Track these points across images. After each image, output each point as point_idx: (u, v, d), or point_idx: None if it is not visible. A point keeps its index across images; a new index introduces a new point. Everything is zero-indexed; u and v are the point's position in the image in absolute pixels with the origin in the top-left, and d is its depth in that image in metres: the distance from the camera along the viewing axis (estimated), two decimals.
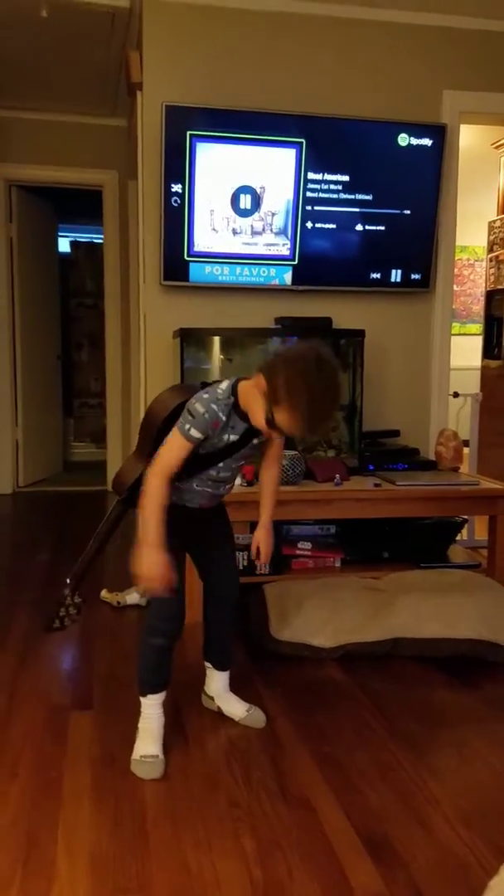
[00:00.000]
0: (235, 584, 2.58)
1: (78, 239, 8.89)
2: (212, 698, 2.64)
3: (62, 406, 7.87)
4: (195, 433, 2.12)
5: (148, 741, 2.32)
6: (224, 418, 2.17)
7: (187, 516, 2.35)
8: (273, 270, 4.23)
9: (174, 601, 2.29)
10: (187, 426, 2.12)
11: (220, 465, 2.28)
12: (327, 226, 4.25)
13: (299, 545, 3.80)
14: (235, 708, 2.60)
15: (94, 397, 8.84)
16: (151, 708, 2.36)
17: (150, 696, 2.36)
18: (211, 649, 2.63)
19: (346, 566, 3.83)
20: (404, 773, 2.27)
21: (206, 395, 2.16)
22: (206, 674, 2.67)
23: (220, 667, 2.62)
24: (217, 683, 2.63)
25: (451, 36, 4.40)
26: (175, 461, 2.15)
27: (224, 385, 2.20)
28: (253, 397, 2.13)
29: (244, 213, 4.13)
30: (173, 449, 2.15)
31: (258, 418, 2.14)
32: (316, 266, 4.28)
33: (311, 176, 4.15)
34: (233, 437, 2.22)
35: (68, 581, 2.54)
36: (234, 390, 2.19)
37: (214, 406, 2.15)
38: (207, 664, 2.64)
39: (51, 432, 7.43)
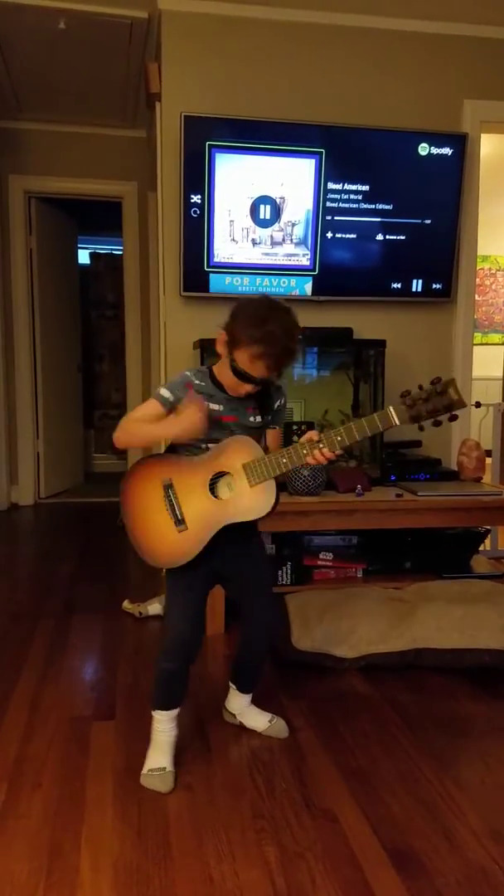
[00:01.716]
0: (267, 617, 2.50)
1: (98, 250, 8.93)
2: (233, 714, 2.62)
3: (83, 417, 7.89)
4: (164, 392, 2.18)
5: (157, 754, 2.31)
6: (198, 382, 2.21)
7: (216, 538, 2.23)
8: (293, 281, 4.24)
9: (190, 628, 2.28)
10: (161, 389, 2.20)
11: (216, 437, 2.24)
12: (347, 236, 4.25)
13: (321, 555, 3.78)
14: (258, 721, 2.58)
15: (114, 408, 8.86)
16: (162, 723, 2.33)
17: (161, 712, 2.33)
18: (240, 676, 2.59)
19: (368, 577, 3.81)
20: (429, 785, 2.25)
21: (183, 371, 2.26)
22: (228, 691, 2.64)
23: (243, 689, 2.60)
24: (239, 701, 2.61)
25: (472, 45, 4.40)
26: (139, 413, 2.20)
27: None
28: (221, 362, 2.21)
29: (264, 224, 4.13)
30: (142, 407, 2.21)
31: (224, 375, 2.19)
32: (336, 276, 4.28)
33: (331, 186, 4.15)
34: (215, 406, 2.21)
35: None
36: (209, 366, 2.28)
37: (188, 372, 2.24)
38: (232, 685, 2.62)
39: (72, 444, 7.45)
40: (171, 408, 2.18)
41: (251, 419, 2.27)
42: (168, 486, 2.20)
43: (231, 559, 2.32)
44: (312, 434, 2.13)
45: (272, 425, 2.34)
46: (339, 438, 2.09)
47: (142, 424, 2.18)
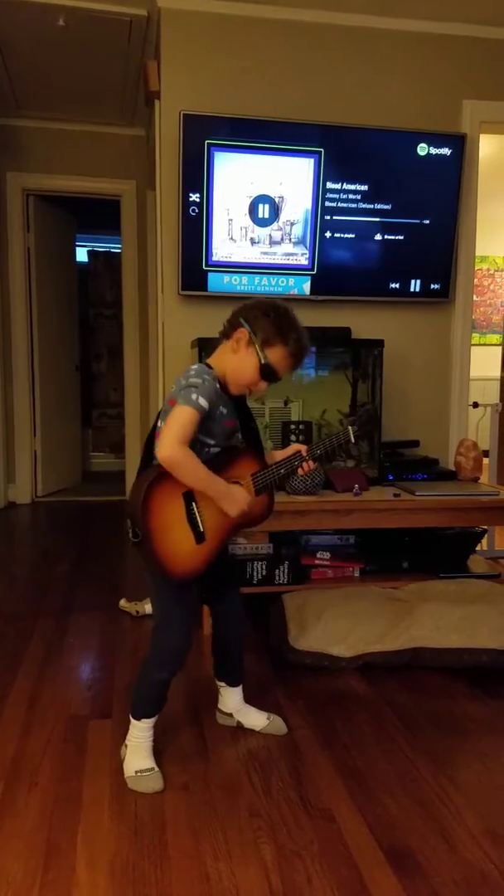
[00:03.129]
0: (239, 601, 2.52)
1: (96, 248, 8.93)
2: (229, 715, 2.61)
3: (81, 416, 7.89)
4: (203, 402, 2.08)
5: (142, 757, 2.28)
6: (217, 386, 2.17)
7: None
8: (292, 280, 4.23)
9: (185, 637, 2.27)
10: (194, 395, 2.07)
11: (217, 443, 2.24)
12: (346, 235, 4.25)
13: (318, 555, 3.78)
14: (256, 719, 2.58)
15: (112, 407, 8.87)
16: (146, 729, 2.31)
17: (144, 721, 2.31)
18: (224, 670, 2.58)
19: (365, 576, 3.81)
20: (426, 784, 2.25)
21: (192, 370, 2.16)
22: (219, 693, 2.63)
23: (234, 683, 2.59)
24: (233, 699, 2.60)
25: (471, 45, 4.40)
26: (189, 432, 2.06)
27: (193, 366, 2.21)
28: (231, 360, 2.21)
29: (262, 223, 4.13)
30: (183, 421, 2.05)
31: (244, 374, 2.20)
32: (335, 276, 4.28)
33: (329, 185, 4.15)
34: (224, 410, 2.21)
35: None
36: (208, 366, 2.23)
37: (207, 375, 2.15)
38: (221, 684, 2.60)
39: (70, 443, 7.45)
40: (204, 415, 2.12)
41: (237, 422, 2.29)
42: (191, 500, 2.15)
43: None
44: (302, 448, 2.34)
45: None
46: (318, 452, 2.35)
47: (201, 469, 2.08)
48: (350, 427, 2.39)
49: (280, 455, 2.37)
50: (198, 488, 2.12)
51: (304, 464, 2.33)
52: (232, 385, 2.24)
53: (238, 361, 2.20)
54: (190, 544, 2.16)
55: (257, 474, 2.27)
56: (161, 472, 2.09)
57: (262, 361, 2.17)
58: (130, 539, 2.15)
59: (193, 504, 2.15)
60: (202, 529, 2.17)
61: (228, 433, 2.25)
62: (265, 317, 2.18)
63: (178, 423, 2.05)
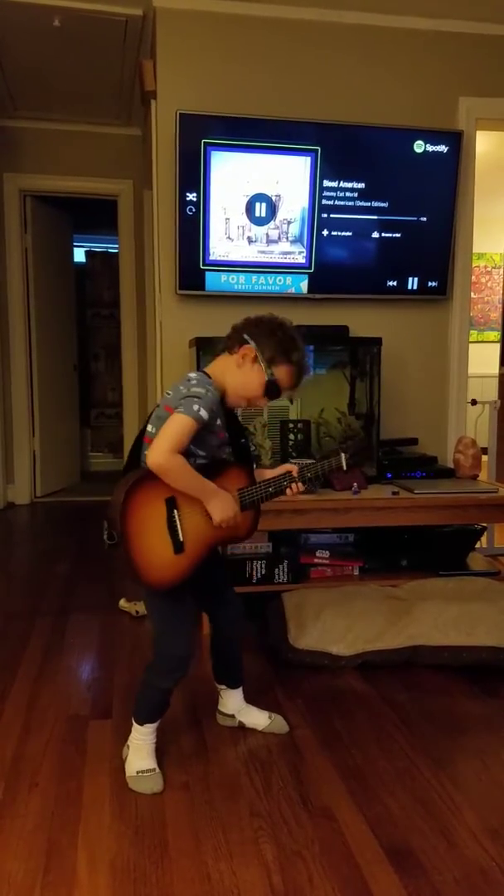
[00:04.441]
0: (238, 603, 2.51)
1: (93, 248, 8.93)
2: (230, 716, 2.61)
3: (79, 416, 7.88)
4: (204, 413, 2.07)
5: (143, 757, 2.28)
6: (218, 397, 2.17)
7: None
8: (289, 279, 4.23)
9: (186, 644, 2.27)
10: (196, 406, 2.05)
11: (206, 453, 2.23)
12: (343, 233, 4.24)
13: (317, 554, 3.78)
14: (257, 718, 2.58)
15: (111, 407, 8.87)
16: (148, 734, 2.30)
17: (149, 725, 2.30)
18: (224, 672, 2.58)
19: (364, 574, 3.81)
20: (426, 783, 2.25)
21: (193, 381, 2.14)
22: (219, 695, 2.63)
23: (234, 685, 2.59)
24: (234, 700, 2.60)
25: (467, 42, 4.40)
26: (183, 442, 2.05)
27: (192, 374, 2.20)
28: (237, 374, 2.22)
29: (259, 222, 4.13)
30: (179, 430, 2.04)
31: (249, 389, 2.23)
32: (332, 274, 4.27)
33: (326, 183, 4.15)
34: (219, 422, 2.21)
35: None
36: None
37: (209, 386, 2.14)
38: (221, 686, 2.60)
39: (68, 443, 7.45)
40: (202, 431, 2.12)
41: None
42: (172, 507, 2.12)
43: (203, 563, 2.31)
44: (294, 468, 2.32)
45: None
46: (308, 475, 2.34)
47: (191, 473, 2.08)
48: (343, 454, 2.37)
49: (270, 473, 2.36)
50: (188, 491, 2.10)
51: (294, 485, 2.31)
52: (232, 397, 2.25)
53: (244, 376, 2.22)
54: (168, 554, 2.12)
55: (244, 490, 2.26)
56: (145, 475, 2.07)
57: (269, 379, 2.20)
58: (105, 541, 2.10)
59: (175, 511, 2.12)
60: (181, 539, 2.14)
61: (217, 444, 2.24)
62: (272, 335, 2.21)
63: (174, 432, 2.04)
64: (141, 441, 2.21)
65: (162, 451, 2.02)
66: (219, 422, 2.20)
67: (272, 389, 2.23)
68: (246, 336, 2.22)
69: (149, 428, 2.19)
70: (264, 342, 2.20)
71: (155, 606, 2.29)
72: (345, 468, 2.37)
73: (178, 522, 2.13)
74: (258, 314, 2.29)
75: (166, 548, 2.12)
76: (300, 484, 2.32)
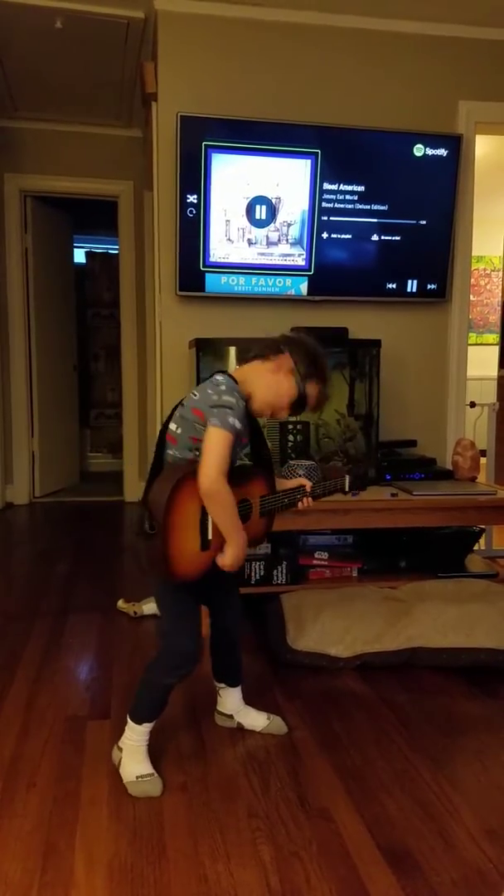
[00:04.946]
0: (238, 603, 2.55)
1: (94, 249, 8.94)
2: (229, 716, 2.61)
3: (79, 417, 7.89)
4: (239, 425, 2.13)
5: (139, 760, 2.28)
6: (244, 405, 2.21)
7: None
8: (289, 281, 4.24)
9: (194, 641, 2.27)
10: (230, 418, 2.10)
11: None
12: (343, 236, 4.25)
13: (316, 555, 3.79)
14: (256, 719, 2.58)
15: (110, 408, 8.87)
16: (143, 734, 2.30)
17: (144, 725, 2.30)
18: (224, 671, 2.59)
19: (363, 576, 3.81)
20: (424, 784, 2.25)
21: (223, 386, 2.17)
22: (218, 694, 2.63)
23: (234, 684, 2.60)
24: (233, 700, 2.60)
25: (467, 46, 4.40)
26: (227, 458, 2.10)
27: (220, 377, 2.22)
28: (269, 380, 2.26)
29: (260, 224, 4.13)
30: (222, 448, 2.09)
31: (280, 396, 2.27)
32: (332, 276, 4.28)
33: (326, 186, 4.15)
34: (242, 428, 2.21)
35: None
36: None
37: (238, 394, 2.19)
38: (220, 685, 2.61)
39: (67, 443, 7.46)
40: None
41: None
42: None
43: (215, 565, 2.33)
44: (307, 484, 2.46)
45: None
46: (318, 492, 2.50)
47: (232, 507, 2.14)
48: (347, 476, 2.58)
49: (285, 484, 2.47)
50: (221, 522, 2.14)
51: (305, 499, 2.44)
52: (258, 404, 2.26)
53: (277, 383, 2.26)
54: (195, 549, 2.16)
55: (266, 497, 2.36)
56: (189, 474, 2.10)
57: (301, 392, 2.25)
58: (145, 530, 2.13)
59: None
60: (210, 538, 2.18)
61: (240, 448, 2.28)
62: (309, 354, 2.27)
63: (218, 453, 2.08)
64: (164, 439, 2.25)
65: (213, 477, 2.07)
66: (244, 428, 2.22)
67: (300, 402, 2.28)
68: (284, 347, 2.27)
69: (172, 427, 2.23)
70: (302, 358, 2.26)
71: (166, 604, 2.33)
72: (346, 490, 2.60)
73: (209, 521, 2.17)
74: (296, 332, 2.40)
75: (195, 543, 2.17)
76: (310, 499, 2.46)
